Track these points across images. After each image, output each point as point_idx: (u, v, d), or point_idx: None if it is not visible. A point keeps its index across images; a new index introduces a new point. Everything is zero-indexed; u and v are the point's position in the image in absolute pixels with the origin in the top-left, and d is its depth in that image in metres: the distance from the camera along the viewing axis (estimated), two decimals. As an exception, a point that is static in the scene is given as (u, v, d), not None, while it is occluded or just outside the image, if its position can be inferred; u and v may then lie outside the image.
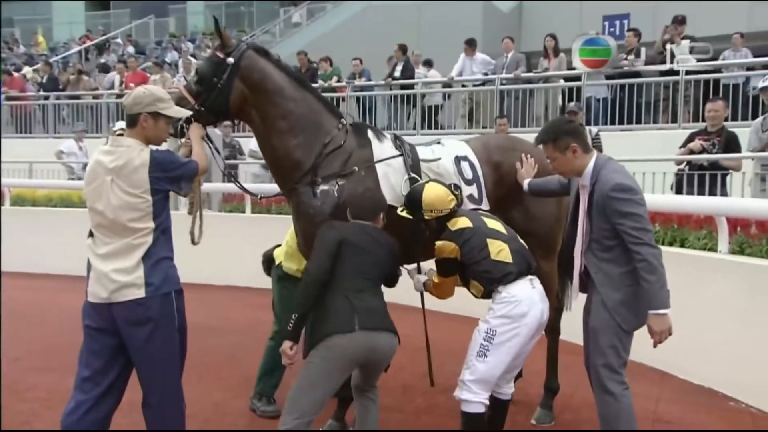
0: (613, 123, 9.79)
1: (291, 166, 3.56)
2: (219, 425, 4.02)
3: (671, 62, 9.36)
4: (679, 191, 6.43)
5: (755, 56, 9.85)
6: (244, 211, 8.83)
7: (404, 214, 3.40)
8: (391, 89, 11.73)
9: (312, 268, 3.15)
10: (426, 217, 3.33)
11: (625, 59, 9.82)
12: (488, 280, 3.19)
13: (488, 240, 3.21)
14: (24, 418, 4.04)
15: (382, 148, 3.64)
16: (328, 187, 3.49)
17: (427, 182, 3.44)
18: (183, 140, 3.43)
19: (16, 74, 15.65)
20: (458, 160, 3.72)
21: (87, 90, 14.37)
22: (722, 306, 4.59)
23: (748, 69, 9.65)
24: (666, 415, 4.24)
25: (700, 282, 4.74)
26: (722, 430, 3.92)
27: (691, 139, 6.55)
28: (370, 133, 3.69)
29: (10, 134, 13.46)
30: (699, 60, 9.45)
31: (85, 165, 8.21)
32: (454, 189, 3.49)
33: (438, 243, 3.29)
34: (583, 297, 3.23)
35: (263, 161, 4.39)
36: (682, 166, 6.51)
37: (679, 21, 9.77)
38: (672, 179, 6.64)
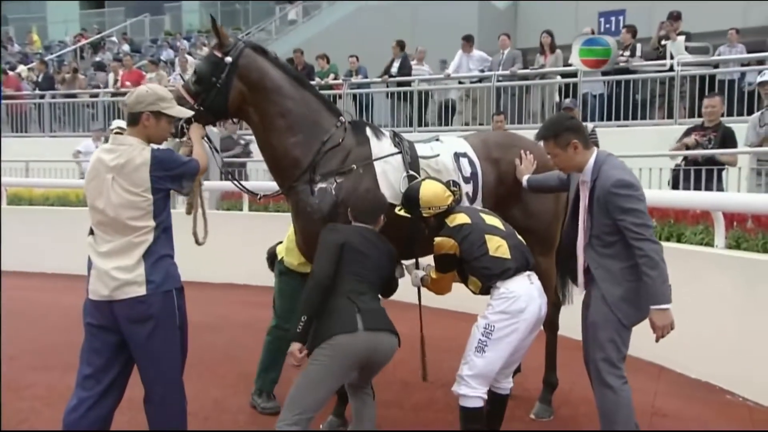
0: (609, 119, 9.82)
1: (290, 165, 3.56)
2: (219, 422, 4.03)
3: (671, 58, 9.37)
4: (675, 186, 6.46)
5: (750, 52, 9.90)
6: (241, 209, 8.83)
7: (402, 213, 3.42)
8: (387, 86, 11.72)
9: (316, 272, 3.18)
10: (424, 215, 3.35)
11: (621, 55, 9.84)
12: (487, 276, 3.20)
13: (487, 236, 3.22)
14: (24, 416, 4.04)
15: (381, 146, 3.65)
16: (326, 185, 3.50)
17: (423, 180, 3.45)
18: (183, 140, 3.43)
19: (11, 73, 15.61)
20: (457, 156, 3.72)
21: (82, 89, 14.34)
22: (719, 300, 4.62)
23: (743, 64, 9.69)
24: (663, 409, 4.27)
25: (697, 277, 4.76)
26: (720, 430, 3.93)
27: (687, 134, 6.59)
28: (368, 131, 3.69)
29: (5, 133, 13.42)
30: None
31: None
32: (452, 185, 3.50)
33: (437, 239, 3.30)
34: (582, 292, 3.25)
35: None
36: (678, 162, 6.53)
37: (675, 17, 9.80)
38: (668, 175, 6.66)
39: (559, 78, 10.52)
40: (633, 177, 3.03)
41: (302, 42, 15.12)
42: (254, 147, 9.87)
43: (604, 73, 10.02)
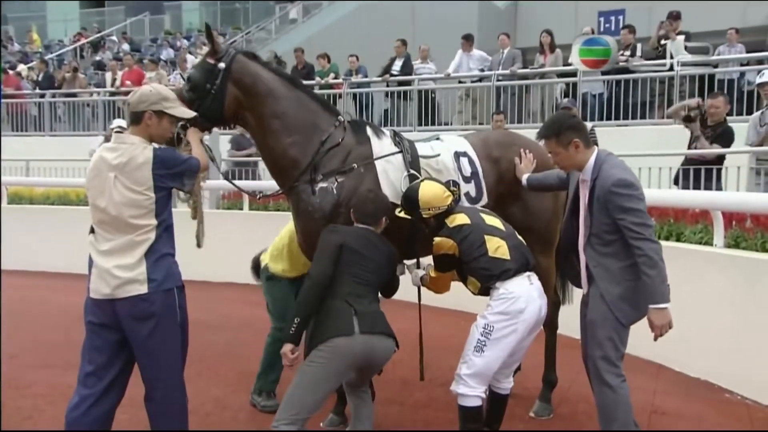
0: (608, 118, 9.83)
1: (288, 165, 3.59)
2: (219, 420, 4.05)
3: (671, 57, 9.39)
4: (675, 184, 6.50)
5: (749, 51, 9.91)
6: (242, 209, 8.85)
7: (402, 214, 3.43)
8: (388, 85, 11.72)
9: (314, 273, 3.19)
10: (424, 216, 3.36)
11: (621, 55, 9.85)
12: (486, 276, 3.21)
13: (486, 237, 3.23)
14: (26, 414, 4.06)
15: (381, 145, 3.67)
16: (327, 184, 3.52)
17: (422, 181, 3.46)
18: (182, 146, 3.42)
19: (11, 72, 15.61)
20: (457, 155, 3.74)
21: (82, 88, 14.35)
22: (718, 299, 4.63)
23: (743, 64, 9.70)
24: (663, 407, 4.28)
25: (696, 276, 4.78)
26: (718, 430, 3.95)
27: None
28: (369, 130, 3.71)
29: (5, 132, 13.43)
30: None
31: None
32: (452, 185, 3.51)
33: (436, 239, 3.31)
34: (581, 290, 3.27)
35: None
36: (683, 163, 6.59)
37: (674, 17, 9.81)
38: (667, 174, 6.68)
39: (557, 78, 10.53)
40: (633, 176, 3.05)
41: (302, 41, 15.12)
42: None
43: (603, 73, 10.03)
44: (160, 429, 3.05)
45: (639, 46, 10.05)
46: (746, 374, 4.41)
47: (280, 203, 8.08)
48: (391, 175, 3.59)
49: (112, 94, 13.51)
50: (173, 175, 3.02)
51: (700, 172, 6.23)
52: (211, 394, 4.45)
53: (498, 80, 10.71)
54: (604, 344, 3.04)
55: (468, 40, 11.31)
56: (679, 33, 9.69)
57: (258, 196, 4.17)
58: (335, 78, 11.98)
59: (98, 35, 21.10)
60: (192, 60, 13.13)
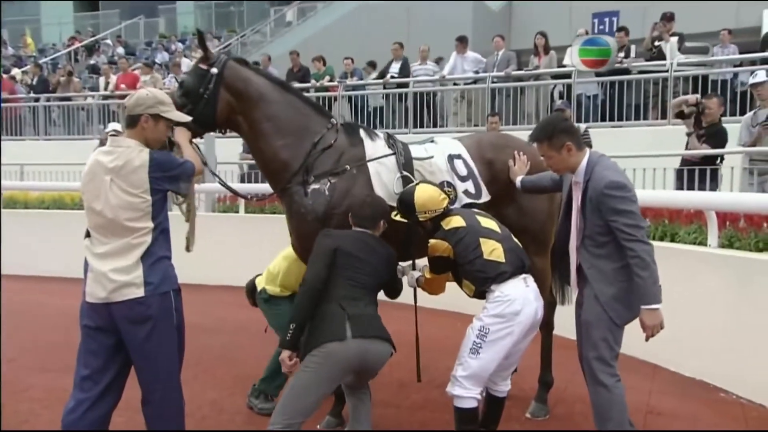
0: (603, 120, 9.87)
1: (280, 168, 3.62)
2: (216, 423, 4.05)
3: (670, 58, 9.43)
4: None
5: (742, 52, 9.96)
6: (237, 212, 8.84)
7: (399, 218, 3.44)
8: (385, 88, 11.74)
9: (308, 277, 3.20)
10: (420, 219, 3.37)
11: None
12: (481, 279, 3.22)
13: (481, 239, 3.23)
14: (23, 417, 4.06)
15: (375, 147, 3.69)
16: (320, 185, 3.54)
17: (417, 184, 3.46)
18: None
19: (5, 76, 15.57)
20: (451, 158, 3.76)
21: (77, 92, 14.33)
22: (712, 299, 4.65)
23: (736, 65, 9.75)
24: (658, 407, 4.30)
25: (690, 276, 4.80)
26: (712, 430, 3.97)
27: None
28: (362, 132, 3.74)
29: (-1, 136, 13.42)
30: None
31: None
32: (447, 186, 3.51)
33: (431, 242, 3.32)
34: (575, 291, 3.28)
35: None
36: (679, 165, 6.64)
37: (668, 18, 9.86)
38: (661, 175, 6.71)
39: (551, 79, 10.56)
40: (625, 178, 3.06)
41: (297, 44, 15.14)
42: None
43: (598, 74, 10.07)
44: (157, 432, 3.05)
45: (633, 47, 10.09)
46: (741, 374, 4.43)
47: (275, 206, 8.08)
48: (384, 177, 3.61)
49: (107, 97, 13.50)
50: (170, 178, 3.03)
51: (696, 173, 6.26)
52: (208, 397, 4.45)
53: (493, 82, 10.74)
54: (599, 345, 3.05)
55: (462, 41, 11.33)
56: (673, 34, 9.74)
57: (249, 198, 4.19)
58: (330, 81, 11.99)
59: (93, 39, 21.08)
60: (187, 63, 13.12)
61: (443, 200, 3.38)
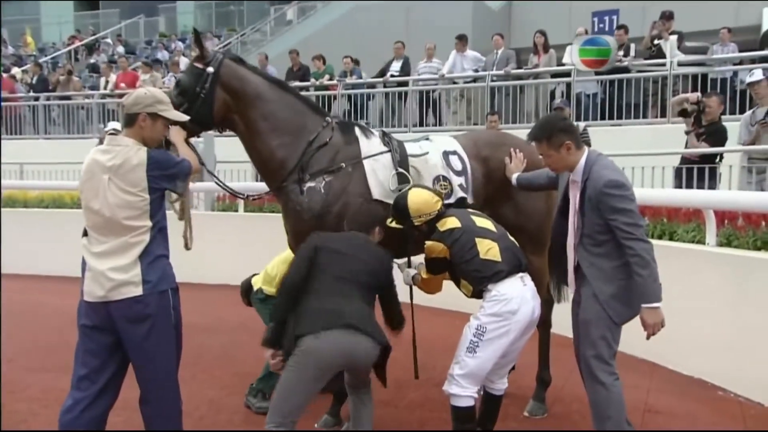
0: (603, 118, 9.86)
1: (276, 166, 3.63)
2: (214, 422, 4.05)
3: (670, 57, 9.43)
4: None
5: (742, 51, 9.94)
6: (237, 210, 8.85)
7: (394, 225, 3.43)
8: (385, 86, 11.74)
9: (287, 276, 3.19)
10: (416, 224, 3.37)
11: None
12: (478, 279, 3.22)
13: (477, 239, 3.24)
14: (21, 417, 4.06)
15: (370, 145, 3.70)
16: (315, 183, 3.55)
17: (410, 189, 3.46)
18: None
19: (5, 75, 15.58)
20: (446, 154, 3.77)
21: (77, 91, 14.33)
22: (710, 298, 4.66)
23: (736, 63, 9.74)
24: (656, 406, 4.30)
25: (689, 274, 4.80)
26: (709, 430, 3.97)
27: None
28: (357, 131, 3.75)
29: (-1, 135, 13.43)
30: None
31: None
32: (442, 181, 3.51)
33: (428, 243, 3.32)
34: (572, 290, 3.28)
35: None
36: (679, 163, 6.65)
37: (667, 17, 9.85)
38: (660, 173, 6.71)
39: (551, 78, 10.55)
40: (624, 177, 3.06)
41: (297, 43, 15.13)
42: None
43: (597, 73, 10.06)
44: (155, 431, 3.05)
45: (633, 46, 10.08)
46: (739, 372, 4.44)
47: (275, 205, 8.08)
48: (379, 175, 3.61)
49: (106, 96, 13.50)
50: (167, 177, 3.03)
51: (694, 171, 6.26)
52: (206, 396, 4.45)
53: (492, 81, 10.73)
54: (597, 343, 3.05)
55: (462, 40, 11.32)
56: (672, 33, 9.73)
57: (246, 197, 4.20)
58: (330, 79, 11.98)
59: (93, 38, 21.07)
60: (186, 62, 13.10)
61: (437, 203, 3.38)
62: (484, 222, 3.37)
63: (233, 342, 5.81)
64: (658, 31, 9.91)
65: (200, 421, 4.03)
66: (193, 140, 7.37)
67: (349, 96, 11.87)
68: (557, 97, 9.98)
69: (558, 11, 15.22)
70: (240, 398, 4.32)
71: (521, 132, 4.81)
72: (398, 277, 3.61)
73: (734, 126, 6.79)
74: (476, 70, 11.20)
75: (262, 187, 3.97)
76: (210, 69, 3.54)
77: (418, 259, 3.63)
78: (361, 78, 12.04)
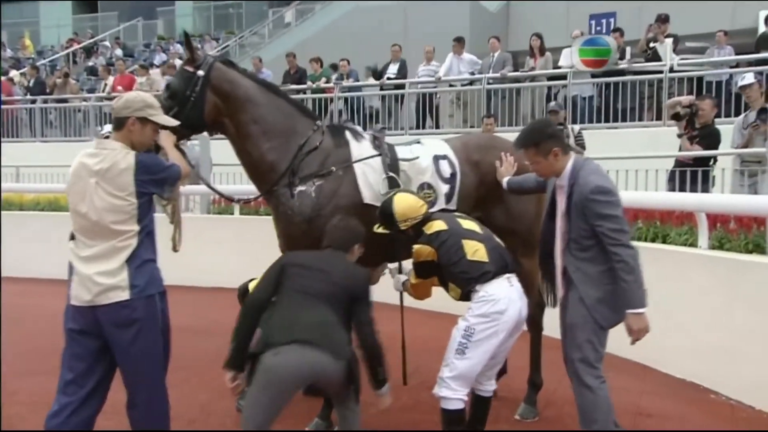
0: (599, 121, 9.88)
1: (266, 170, 3.64)
2: (205, 425, 4.04)
3: (665, 60, 9.44)
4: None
5: (738, 53, 9.95)
6: (232, 213, 8.85)
7: (381, 230, 3.44)
8: (382, 89, 11.75)
9: (249, 298, 3.18)
10: (402, 228, 3.37)
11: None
12: (466, 280, 3.23)
13: (464, 241, 3.25)
14: (9, 422, 4.05)
15: (360, 148, 3.71)
16: (306, 187, 3.56)
17: (394, 194, 3.46)
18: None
19: (3, 78, 15.60)
20: (437, 159, 3.77)
21: (74, 93, 14.35)
22: (702, 300, 4.66)
23: (732, 66, 9.75)
24: (648, 409, 4.30)
25: (681, 277, 4.81)
26: (699, 430, 3.98)
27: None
28: (347, 134, 3.76)
29: (-3, 138, 13.43)
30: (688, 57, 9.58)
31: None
32: (426, 189, 3.52)
33: (415, 247, 3.34)
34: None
35: None
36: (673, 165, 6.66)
37: (663, 19, 9.86)
38: (655, 176, 6.71)
39: (547, 81, 10.56)
40: (610, 182, 3.07)
41: (295, 45, 15.15)
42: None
43: (593, 75, 10.09)
44: (142, 435, 3.05)
45: (628, 49, 10.10)
46: (731, 375, 4.44)
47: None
48: (370, 178, 3.62)
49: (103, 99, 13.51)
50: (156, 181, 3.03)
51: (688, 174, 6.26)
52: (198, 400, 4.44)
53: (488, 83, 10.74)
54: (583, 346, 3.06)
55: (459, 42, 11.33)
56: (668, 35, 9.74)
57: (236, 201, 4.20)
58: (327, 82, 11.99)
59: (91, 40, 21.10)
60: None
61: (422, 207, 3.39)
62: (469, 224, 3.38)
63: (228, 345, 5.77)
64: (653, 34, 9.92)
65: (191, 424, 4.02)
66: (189, 143, 7.38)
67: (346, 99, 11.88)
68: (553, 100, 10.00)
69: (555, 13, 15.26)
70: (232, 402, 4.31)
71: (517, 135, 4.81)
72: (388, 282, 3.61)
73: (730, 129, 6.80)
74: (472, 73, 11.21)
75: (252, 190, 3.98)
76: (200, 72, 3.55)
77: (408, 265, 3.64)
78: (357, 80, 12.05)
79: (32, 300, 7.71)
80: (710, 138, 6.44)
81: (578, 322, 3.07)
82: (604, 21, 14.99)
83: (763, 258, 4.58)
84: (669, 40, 9.56)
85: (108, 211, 2.89)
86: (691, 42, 10.45)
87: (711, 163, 6.41)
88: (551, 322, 4.19)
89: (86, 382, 2.97)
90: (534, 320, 4.11)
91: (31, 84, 15.21)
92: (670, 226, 5.51)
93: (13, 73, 16.72)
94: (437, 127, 11.35)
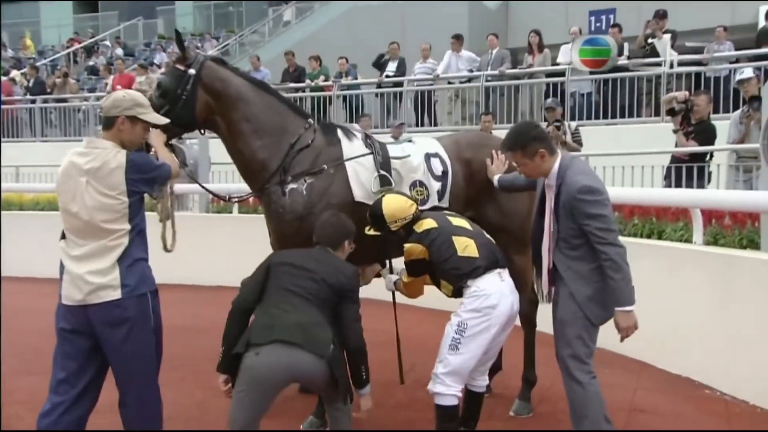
0: (597, 117, 9.87)
1: (258, 168, 3.64)
2: (200, 424, 4.05)
3: (663, 56, 9.42)
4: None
5: (738, 49, 9.93)
6: (231, 212, 8.86)
7: (371, 232, 3.45)
8: (381, 86, 11.73)
9: (235, 300, 3.18)
10: (392, 229, 3.39)
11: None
12: (457, 276, 3.25)
13: (454, 237, 3.27)
14: (8, 421, 4.07)
15: (352, 147, 3.71)
16: (297, 185, 3.56)
17: (383, 195, 3.48)
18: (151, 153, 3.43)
19: (4, 78, 15.64)
20: (428, 157, 3.78)
21: (73, 93, 14.38)
22: (697, 296, 4.66)
23: (733, 62, 9.73)
24: (642, 405, 4.30)
25: (676, 273, 4.81)
26: (689, 430, 3.97)
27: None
28: (339, 132, 3.76)
29: (-3, 138, 13.46)
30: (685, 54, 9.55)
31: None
32: (419, 186, 3.53)
33: (406, 246, 3.34)
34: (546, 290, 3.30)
35: None
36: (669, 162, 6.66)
37: (660, 15, 9.85)
38: (652, 172, 6.71)
39: (545, 78, 10.55)
40: (597, 182, 3.09)
41: (295, 43, 15.16)
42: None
43: (592, 72, 10.06)
44: (134, 434, 3.06)
45: (626, 45, 10.08)
46: (725, 370, 4.44)
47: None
48: (361, 176, 3.63)
49: (102, 99, 13.53)
50: (146, 180, 3.03)
51: (686, 170, 6.26)
52: (195, 398, 4.46)
53: (487, 81, 10.73)
54: (573, 343, 3.07)
55: (458, 39, 11.32)
56: (666, 31, 9.73)
57: (228, 199, 4.22)
58: (325, 80, 12.00)
59: (92, 40, 21.13)
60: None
61: (411, 207, 3.41)
62: (459, 221, 3.41)
63: (224, 344, 5.80)
64: (651, 30, 9.90)
65: (187, 422, 4.03)
66: (188, 142, 7.36)
67: (345, 97, 11.88)
68: (551, 97, 9.99)
69: (555, 11, 15.24)
70: (227, 400, 4.31)
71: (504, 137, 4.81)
72: (380, 283, 3.62)
73: (728, 125, 6.79)
74: (471, 70, 11.21)
75: (244, 188, 3.99)
76: (191, 71, 3.56)
77: (400, 264, 3.64)
78: (356, 79, 12.05)
79: (30, 299, 7.72)
80: (706, 133, 6.44)
81: (568, 318, 3.09)
82: (603, 17, 14.96)
83: (757, 253, 4.58)
84: (667, 36, 9.54)
85: (99, 210, 2.90)
86: (691, 41, 10.39)
87: (707, 158, 6.41)
88: (547, 318, 4.21)
89: (78, 381, 2.97)
90: (527, 317, 4.12)
91: (30, 84, 15.25)
92: (665, 222, 5.51)
93: (14, 73, 16.77)
94: (435, 124, 11.33)
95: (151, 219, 3.20)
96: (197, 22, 23.55)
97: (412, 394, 4.45)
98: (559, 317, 3.13)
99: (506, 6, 16.98)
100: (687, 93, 6.75)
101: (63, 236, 3.01)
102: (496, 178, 3.78)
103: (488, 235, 3.45)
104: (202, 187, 4.30)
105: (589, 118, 9.85)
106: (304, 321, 2.98)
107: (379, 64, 11.81)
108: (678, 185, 6.15)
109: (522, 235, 3.93)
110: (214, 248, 7.99)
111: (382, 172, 3.64)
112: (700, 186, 6.15)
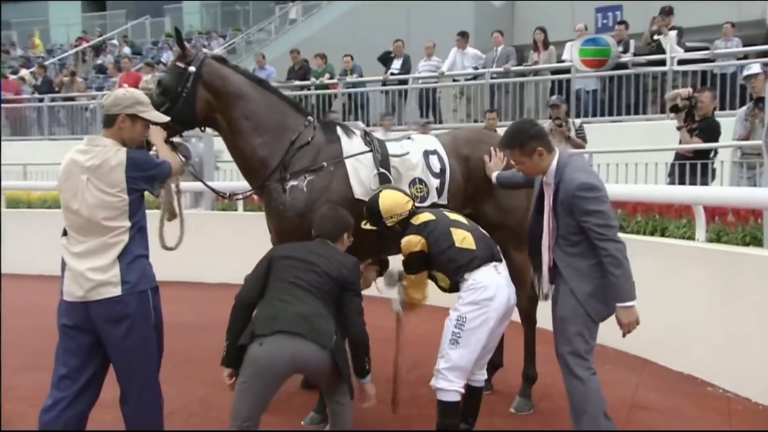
0: (602, 114, 9.83)
1: (258, 165, 3.66)
2: (203, 420, 4.07)
3: (669, 53, 9.38)
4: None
5: (746, 46, 9.87)
6: (236, 210, 8.89)
7: (368, 227, 3.47)
8: (385, 84, 11.74)
9: (238, 294, 3.20)
10: (389, 225, 3.41)
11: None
12: (454, 269, 3.26)
13: (452, 229, 3.30)
14: (10, 418, 4.10)
15: (351, 144, 3.73)
16: (297, 182, 3.58)
17: (380, 191, 3.50)
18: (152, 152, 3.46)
19: (11, 77, 15.75)
20: (427, 154, 3.79)
21: (81, 92, 14.45)
22: (700, 293, 4.64)
23: (740, 58, 9.67)
24: (643, 401, 4.30)
25: (678, 270, 4.80)
26: (688, 430, 3.95)
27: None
28: (339, 130, 3.78)
29: (5, 136, 13.53)
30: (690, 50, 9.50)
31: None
32: (419, 184, 3.54)
33: (404, 239, 3.34)
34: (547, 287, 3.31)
35: None
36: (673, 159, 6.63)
37: (667, 12, 9.80)
38: (656, 169, 6.69)
39: (550, 75, 10.52)
40: (596, 178, 3.09)
41: (301, 41, 15.17)
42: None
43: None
44: (135, 431, 3.08)
45: (632, 42, 10.04)
46: (728, 367, 4.42)
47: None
48: (361, 174, 3.65)
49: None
50: (147, 178, 3.05)
51: (689, 167, 6.23)
52: (197, 395, 4.48)
53: (492, 78, 10.71)
54: (573, 339, 3.08)
55: (463, 37, 11.31)
56: (672, 28, 9.68)
57: (228, 197, 4.24)
58: (330, 78, 12.01)
59: (100, 39, 21.22)
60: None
61: (407, 203, 3.43)
62: (456, 216, 3.44)
63: (227, 341, 5.82)
64: (657, 27, 9.85)
65: (189, 419, 4.05)
66: (192, 140, 7.36)
67: (350, 94, 11.89)
68: (556, 94, 9.96)
69: (561, 8, 15.16)
70: (230, 396, 4.34)
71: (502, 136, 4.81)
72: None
73: (732, 121, 6.75)
74: (476, 68, 11.19)
75: (245, 185, 4.01)
76: (192, 68, 3.58)
77: (397, 265, 3.64)
78: (361, 76, 12.06)
79: (36, 297, 7.75)
80: (709, 130, 6.40)
81: (568, 315, 3.09)
82: (610, 14, 14.89)
83: (760, 250, 4.57)
84: (673, 33, 9.49)
85: (99, 207, 2.92)
86: (696, 36, 10.34)
87: (711, 155, 6.38)
88: (547, 315, 4.20)
89: (79, 377, 3.00)
90: (527, 314, 4.13)
91: (38, 82, 15.34)
92: (668, 219, 5.50)
93: (23, 72, 16.87)
94: (440, 122, 11.33)
95: (153, 216, 3.22)
96: (204, 21, 23.60)
97: (415, 390, 4.45)
98: (560, 314, 3.14)
99: (512, 3, 16.94)
100: (691, 90, 6.73)
101: (64, 233, 3.04)
102: (494, 175, 3.79)
103: (484, 231, 3.46)
104: (204, 184, 4.32)
105: (594, 115, 9.81)
106: (307, 312, 3.02)
107: (385, 60, 11.81)
108: (682, 182, 6.12)
109: (520, 231, 3.92)
110: (219, 246, 8.02)
111: (382, 170, 3.66)
112: (704, 183, 6.13)
